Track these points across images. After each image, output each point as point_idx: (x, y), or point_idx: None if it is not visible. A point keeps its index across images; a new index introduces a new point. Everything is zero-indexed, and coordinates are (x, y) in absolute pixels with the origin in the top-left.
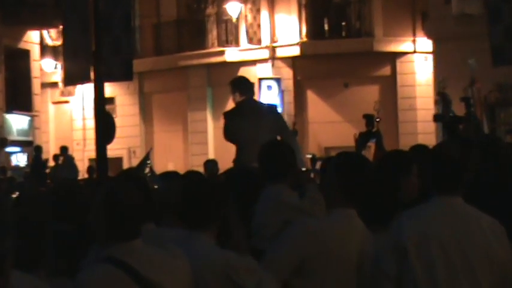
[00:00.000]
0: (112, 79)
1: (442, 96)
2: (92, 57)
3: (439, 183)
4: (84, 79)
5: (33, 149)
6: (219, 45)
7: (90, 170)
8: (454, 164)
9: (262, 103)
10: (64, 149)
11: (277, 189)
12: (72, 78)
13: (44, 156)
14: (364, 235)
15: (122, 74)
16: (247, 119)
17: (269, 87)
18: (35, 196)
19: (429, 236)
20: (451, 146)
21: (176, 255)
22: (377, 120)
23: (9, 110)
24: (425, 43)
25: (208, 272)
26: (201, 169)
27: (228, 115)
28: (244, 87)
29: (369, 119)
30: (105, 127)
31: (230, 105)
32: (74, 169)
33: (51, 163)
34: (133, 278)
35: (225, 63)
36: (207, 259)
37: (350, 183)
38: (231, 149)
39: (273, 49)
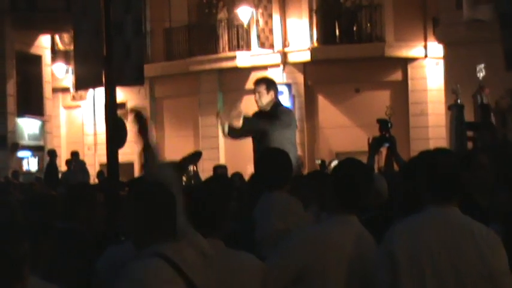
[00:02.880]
0: (123, 84)
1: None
2: (103, 62)
3: (433, 193)
4: (95, 83)
5: (47, 153)
6: (230, 50)
7: (100, 174)
8: (449, 174)
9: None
10: (75, 154)
11: (281, 196)
12: (83, 83)
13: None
14: (366, 241)
15: (133, 79)
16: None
17: (280, 92)
18: (42, 198)
19: (420, 248)
20: (445, 156)
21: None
22: (390, 125)
23: (21, 115)
24: (436, 48)
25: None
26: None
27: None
28: (275, 88)
29: (382, 123)
30: (116, 132)
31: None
32: (86, 174)
33: (63, 168)
34: (182, 276)
35: (236, 68)
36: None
37: (348, 190)
38: (241, 154)
39: (284, 54)
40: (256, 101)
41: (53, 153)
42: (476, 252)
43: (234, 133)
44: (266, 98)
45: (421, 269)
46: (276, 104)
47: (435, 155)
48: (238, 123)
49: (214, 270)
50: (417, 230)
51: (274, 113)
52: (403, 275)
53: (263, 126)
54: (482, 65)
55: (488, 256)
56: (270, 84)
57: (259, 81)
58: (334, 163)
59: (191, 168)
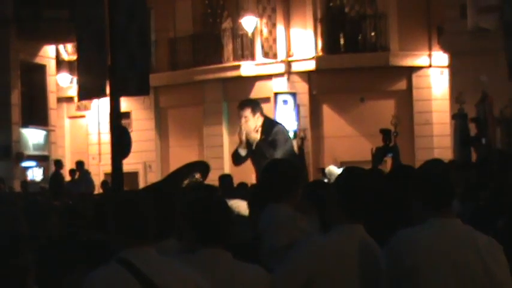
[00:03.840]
0: (128, 93)
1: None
2: (107, 72)
3: (434, 205)
4: (98, 94)
5: (52, 163)
6: (235, 59)
7: (104, 184)
8: (449, 185)
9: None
10: (80, 164)
11: (286, 210)
12: (86, 93)
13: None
14: (372, 250)
15: (138, 89)
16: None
17: (285, 101)
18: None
19: (425, 260)
20: (442, 167)
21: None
22: (394, 134)
23: (25, 125)
24: (441, 57)
25: None
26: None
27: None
28: (260, 107)
29: (385, 133)
30: (120, 141)
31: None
32: (91, 184)
33: (68, 178)
34: (138, 279)
35: (240, 78)
36: None
37: (354, 199)
38: (246, 164)
39: (288, 63)
40: (241, 126)
41: (58, 164)
42: (480, 264)
43: (239, 161)
44: (253, 123)
45: (427, 282)
46: (267, 123)
47: (428, 168)
48: (244, 151)
49: (220, 281)
50: (422, 243)
51: (268, 134)
52: (409, 282)
53: (271, 155)
54: (485, 77)
55: (492, 267)
56: (255, 106)
57: (243, 105)
58: (329, 169)
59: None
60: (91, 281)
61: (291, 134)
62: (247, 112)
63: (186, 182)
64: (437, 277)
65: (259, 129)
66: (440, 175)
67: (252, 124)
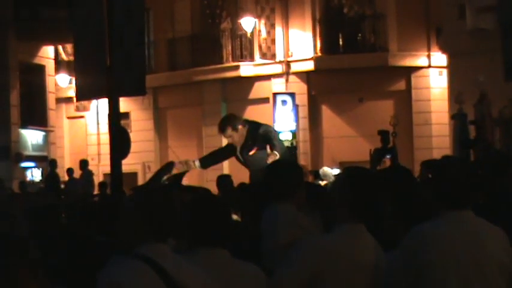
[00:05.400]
0: (125, 94)
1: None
2: (104, 72)
3: (449, 198)
4: (96, 94)
5: (48, 163)
6: (234, 60)
7: (102, 185)
8: (463, 179)
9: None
10: (84, 163)
11: (286, 209)
12: (83, 94)
13: (59, 171)
14: (374, 250)
15: (136, 89)
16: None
17: (284, 102)
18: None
19: (445, 254)
20: (456, 161)
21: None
22: (393, 135)
23: (25, 125)
24: (439, 58)
25: None
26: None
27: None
28: (238, 119)
29: (384, 135)
30: (120, 142)
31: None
32: (90, 184)
33: (65, 177)
34: (161, 276)
35: (239, 78)
36: None
37: (358, 198)
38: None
39: (287, 64)
40: (232, 143)
41: (53, 163)
42: (496, 251)
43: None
44: (238, 137)
45: (447, 276)
46: (251, 130)
47: (446, 163)
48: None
49: (218, 280)
50: (440, 237)
51: (254, 138)
52: (428, 283)
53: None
54: (483, 77)
55: (503, 254)
56: (232, 122)
57: (221, 129)
58: (324, 170)
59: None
60: (112, 275)
61: (289, 134)
62: (229, 132)
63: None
64: (457, 272)
65: (246, 135)
66: (456, 170)
67: (239, 140)
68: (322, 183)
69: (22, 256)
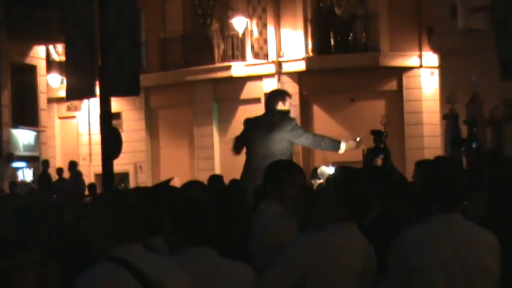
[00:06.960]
0: (118, 94)
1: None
2: (96, 72)
3: (439, 201)
4: (87, 94)
5: (40, 163)
6: (225, 60)
7: (91, 187)
8: (453, 181)
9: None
10: (73, 164)
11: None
12: (74, 93)
13: (50, 171)
14: (365, 249)
15: (128, 89)
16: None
17: None
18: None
19: (432, 258)
20: (447, 164)
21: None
22: (384, 135)
23: (16, 125)
24: (431, 58)
25: None
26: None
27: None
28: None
29: (377, 135)
30: (111, 142)
31: (236, 120)
32: (82, 185)
33: (55, 177)
34: (136, 277)
35: (231, 78)
36: None
37: (353, 198)
38: (237, 164)
39: (279, 64)
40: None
41: (46, 164)
42: (484, 256)
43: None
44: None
45: (435, 279)
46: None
47: (437, 164)
48: None
49: (205, 279)
50: (429, 240)
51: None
52: (415, 282)
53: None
54: (475, 77)
55: (491, 259)
56: (281, 97)
57: (273, 105)
58: (321, 169)
59: None
60: (87, 282)
61: None
62: (280, 106)
63: None
64: (445, 275)
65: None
66: (447, 172)
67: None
68: (319, 182)
69: (22, 256)
